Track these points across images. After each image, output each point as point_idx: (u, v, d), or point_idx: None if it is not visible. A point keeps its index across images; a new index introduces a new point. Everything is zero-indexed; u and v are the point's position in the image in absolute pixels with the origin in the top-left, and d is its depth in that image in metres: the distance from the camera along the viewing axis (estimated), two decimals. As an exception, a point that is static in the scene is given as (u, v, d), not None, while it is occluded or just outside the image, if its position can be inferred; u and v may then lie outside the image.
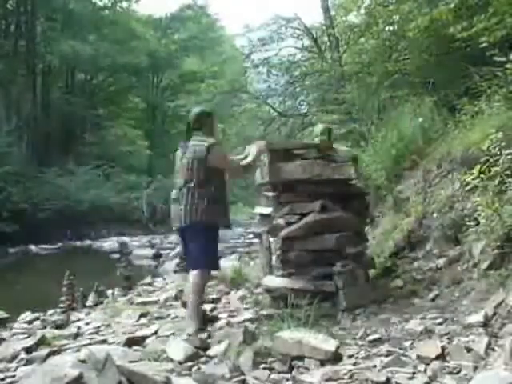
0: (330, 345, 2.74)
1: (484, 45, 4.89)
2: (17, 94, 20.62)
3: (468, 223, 3.79)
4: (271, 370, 2.73)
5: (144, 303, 4.83)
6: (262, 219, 4.43)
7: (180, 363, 2.92)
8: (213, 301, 4.52)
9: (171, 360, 2.98)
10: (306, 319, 3.13)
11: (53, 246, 14.78)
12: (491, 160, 3.56)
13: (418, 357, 2.56)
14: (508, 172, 3.44)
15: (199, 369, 2.84)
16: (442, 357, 2.52)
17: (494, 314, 2.87)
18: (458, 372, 2.36)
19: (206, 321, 3.62)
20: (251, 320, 3.68)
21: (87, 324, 4.29)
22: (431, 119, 5.91)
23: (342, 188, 4.09)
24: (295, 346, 2.77)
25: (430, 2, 6.17)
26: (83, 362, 2.32)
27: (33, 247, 14.54)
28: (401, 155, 5.69)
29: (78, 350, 3.23)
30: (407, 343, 2.82)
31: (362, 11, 9.05)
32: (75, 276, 5.38)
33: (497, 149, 3.56)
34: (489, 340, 2.55)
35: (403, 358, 2.58)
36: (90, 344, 3.55)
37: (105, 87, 28.33)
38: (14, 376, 2.91)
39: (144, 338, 3.54)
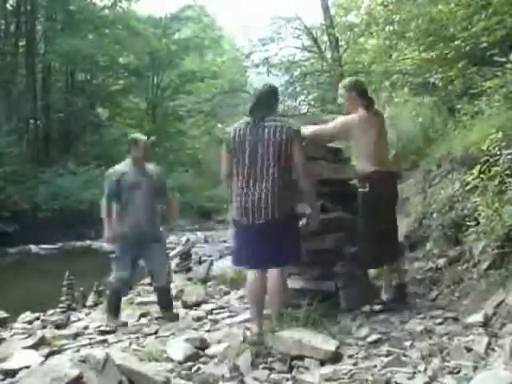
0: (330, 345, 2.73)
1: (484, 45, 4.89)
2: (17, 94, 20.58)
3: (468, 223, 3.79)
4: (271, 369, 2.73)
5: (144, 303, 4.82)
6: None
7: (180, 363, 2.92)
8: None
9: (171, 360, 2.98)
10: (306, 319, 3.13)
11: (53, 246, 14.72)
12: (491, 160, 3.56)
13: (418, 357, 2.56)
14: (508, 172, 3.43)
15: (199, 369, 2.84)
16: (441, 357, 2.52)
17: (494, 313, 2.87)
18: (458, 372, 2.35)
19: None
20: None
21: (87, 324, 4.29)
22: (431, 119, 5.91)
23: (341, 188, 4.08)
24: (295, 346, 2.77)
25: (430, 1, 6.17)
26: (83, 361, 2.32)
27: (33, 247, 14.49)
28: (401, 155, 5.69)
29: (78, 350, 3.24)
30: (407, 343, 2.81)
31: (362, 11, 9.06)
32: (75, 276, 5.37)
33: (497, 149, 3.56)
34: (489, 340, 2.55)
35: (403, 358, 2.57)
36: (90, 344, 3.56)
37: (105, 87, 28.24)
38: (14, 376, 2.91)
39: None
